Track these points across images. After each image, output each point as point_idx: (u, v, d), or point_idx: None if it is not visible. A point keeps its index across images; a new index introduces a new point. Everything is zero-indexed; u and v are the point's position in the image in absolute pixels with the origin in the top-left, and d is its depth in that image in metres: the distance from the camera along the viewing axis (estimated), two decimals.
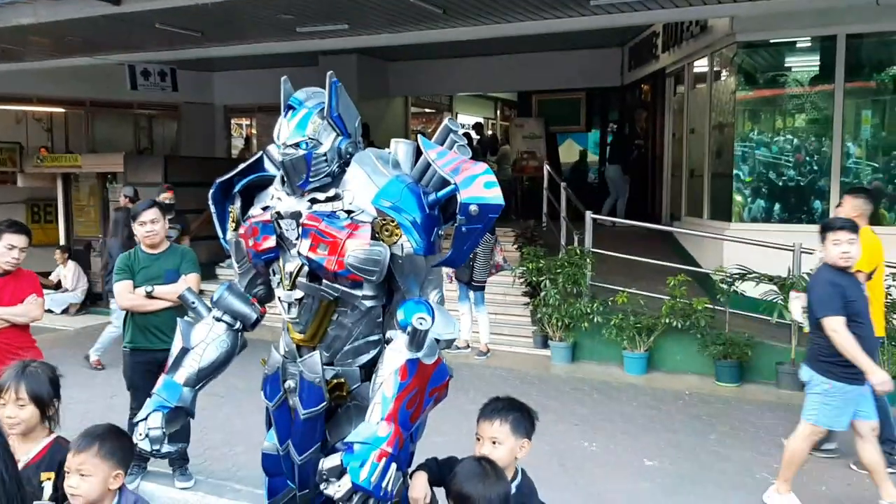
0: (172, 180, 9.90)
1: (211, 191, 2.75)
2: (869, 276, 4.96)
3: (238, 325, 2.80)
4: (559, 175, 11.45)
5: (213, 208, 2.79)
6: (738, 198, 8.62)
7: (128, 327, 4.54)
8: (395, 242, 2.38)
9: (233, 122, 16.03)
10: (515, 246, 9.65)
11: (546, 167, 11.34)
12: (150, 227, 4.47)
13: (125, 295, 4.48)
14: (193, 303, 2.83)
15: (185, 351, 2.74)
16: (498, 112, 20.19)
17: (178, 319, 2.85)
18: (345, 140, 2.50)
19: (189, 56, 10.25)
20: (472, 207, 2.26)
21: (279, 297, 2.58)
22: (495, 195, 2.30)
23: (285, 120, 2.48)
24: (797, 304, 5.81)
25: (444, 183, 2.35)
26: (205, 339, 2.74)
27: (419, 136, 2.51)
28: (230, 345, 2.77)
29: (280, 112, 2.51)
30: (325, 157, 2.45)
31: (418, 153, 2.48)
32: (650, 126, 12.50)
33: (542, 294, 7.94)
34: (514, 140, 14.53)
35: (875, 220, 5.52)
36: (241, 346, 2.82)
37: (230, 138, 15.94)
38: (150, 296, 4.46)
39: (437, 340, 2.37)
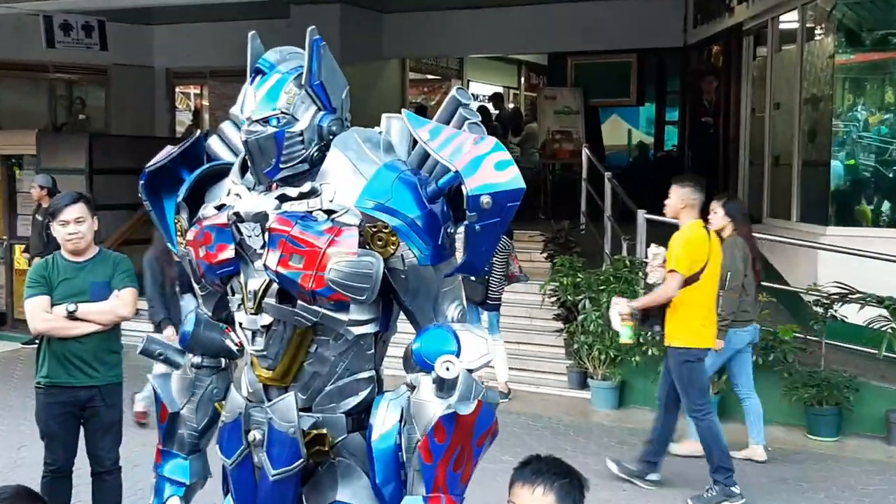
0: (101, 166, 9.99)
1: (140, 181, 2.80)
2: (693, 279, 5.58)
3: (223, 363, 2.87)
4: (602, 162, 11.45)
5: (147, 204, 2.83)
6: (837, 194, 8.62)
7: (42, 358, 4.56)
8: (393, 254, 2.40)
9: (178, 90, 16.12)
10: (545, 255, 9.66)
11: (585, 151, 11.34)
12: (74, 228, 4.49)
13: (39, 315, 4.49)
14: (160, 353, 2.90)
15: (173, 417, 2.86)
16: (522, 80, 20.23)
17: (150, 376, 2.92)
18: (328, 116, 2.52)
19: (122, 4, 10.33)
20: (484, 198, 2.29)
21: (240, 324, 2.60)
22: (511, 178, 2.32)
23: (252, 87, 2.51)
24: (615, 313, 6.02)
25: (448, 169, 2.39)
26: (191, 399, 2.86)
27: (405, 111, 2.52)
28: (222, 391, 2.86)
29: (245, 78, 2.55)
30: (300, 137, 2.48)
31: None
32: (721, 99, 12.51)
33: (580, 318, 7.94)
34: (544, 116, 14.58)
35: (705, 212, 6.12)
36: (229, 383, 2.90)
37: (174, 111, 16.02)
38: (72, 316, 4.47)
39: (470, 371, 2.40)
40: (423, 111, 15.47)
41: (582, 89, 14.68)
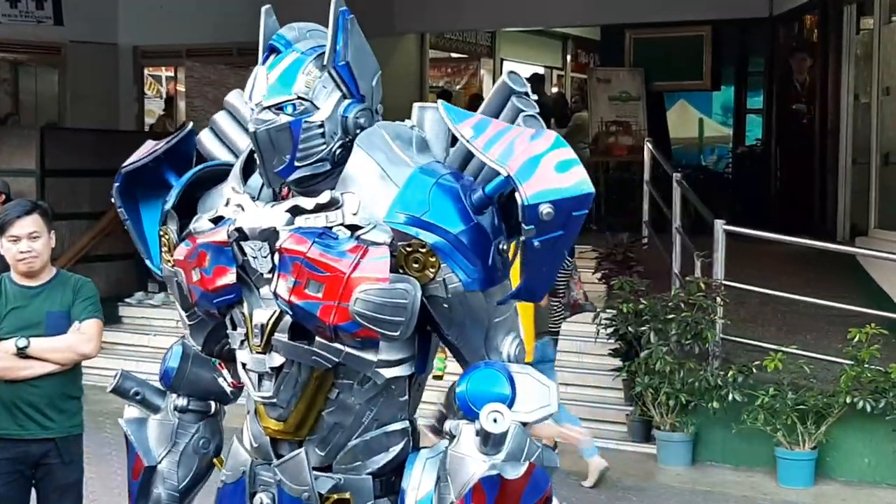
0: (54, 166, 10.07)
1: (115, 183, 2.83)
2: None
3: (213, 407, 2.89)
4: (668, 159, 11.43)
5: (122, 212, 2.86)
6: None
7: None
8: (433, 278, 2.41)
9: (147, 73, 16.26)
10: (598, 275, 9.64)
11: (648, 146, 11.33)
12: (27, 246, 4.50)
13: None
14: (137, 392, 2.91)
15: (149, 472, 2.85)
16: (568, 58, 20.27)
17: (121, 420, 2.92)
18: (354, 105, 2.53)
19: None
20: (544, 208, 2.30)
21: (243, 364, 2.61)
22: (577, 181, 2.34)
23: (263, 69, 2.53)
24: None
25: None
26: (172, 450, 2.85)
27: (441, 102, 2.55)
28: (211, 443, 2.89)
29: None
30: (320, 129, 2.49)
31: None
32: (817, 82, 12.48)
33: (643, 355, 7.91)
34: (596, 103, 14.60)
35: None
36: (221, 438, 2.92)
37: (143, 98, 16.16)
38: (23, 354, 4.49)
39: (525, 424, 2.40)
40: (447, 97, 15.56)
41: (643, 70, 14.68)
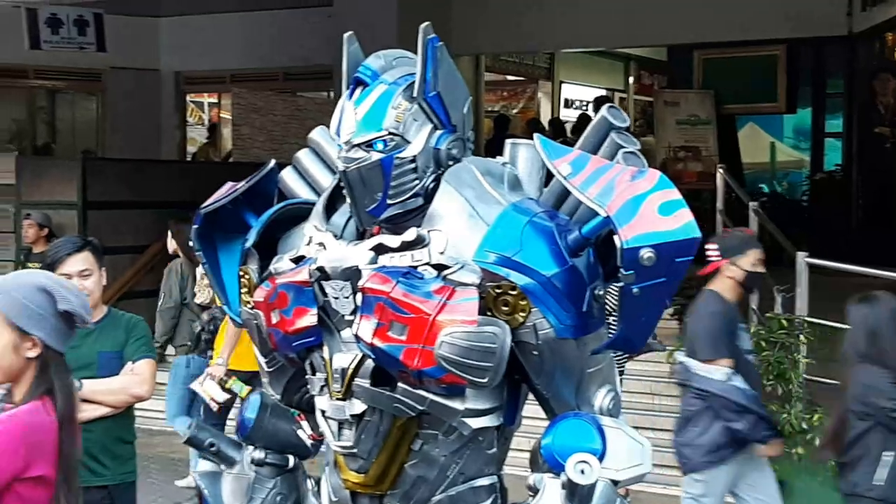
0: (97, 198, 10.16)
1: (194, 225, 2.85)
2: None
3: (291, 462, 2.88)
4: (742, 186, 11.35)
5: (200, 255, 2.88)
6: None
7: None
8: (523, 323, 2.40)
9: (189, 99, 16.43)
10: (670, 311, 9.59)
11: (720, 173, 11.28)
12: (79, 284, 4.56)
13: None
14: (212, 444, 2.93)
15: None
16: (631, 80, 20.26)
17: (195, 474, 2.94)
18: (446, 136, 2.56)
19: None
20: (645, 252, 2.28)
21: (322, 412, 2.62)
22: (682, 225, 2.32)
23: (350, 103, 2.55)
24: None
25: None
26: None
27: (538, 136, 2.54)
28: (288, 500, 2.86)
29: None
30: (412, 164, 2.52)
31: None
32: None
33: None
34: (663, 127, 14.58)
35: None
36: (299, 494, 2.90)
37: (185, 126, 16.33)
38: None
39: (615, 483, 2.38)
40: (505, 122, 15.62)
41: (713, 92, 14.67)
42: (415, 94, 2.51)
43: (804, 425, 7.45)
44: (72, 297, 2.98)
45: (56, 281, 3.06)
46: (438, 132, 2.55)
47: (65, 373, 2.99)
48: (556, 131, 14.99)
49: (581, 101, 18.99)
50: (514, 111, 19.05)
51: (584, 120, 15.76)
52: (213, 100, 16.99)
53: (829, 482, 7.51)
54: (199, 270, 7.60)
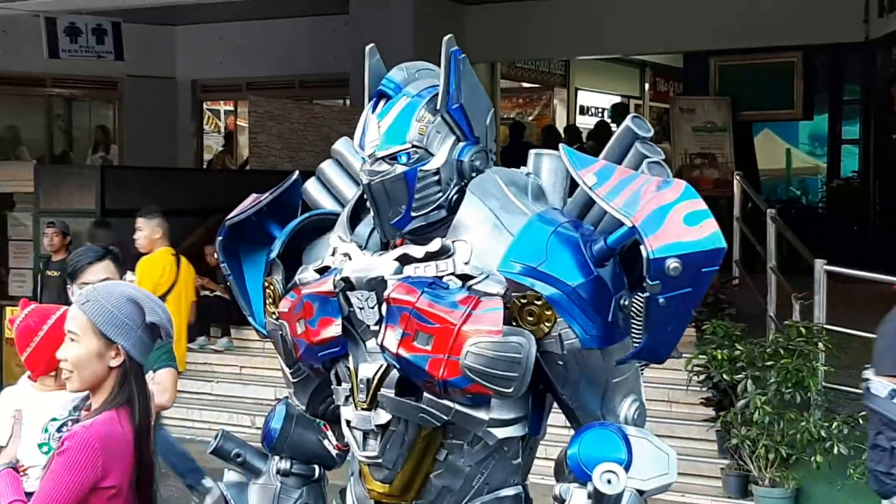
0: (115, 206, 10.17)
1: (219, 237, 2.86)
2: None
3: (317, 472, 2.89)
4: (759, 193, 11.33)
5: (225, 267, 2.89)
6: None
7: None
8: (548, 333, 2.41)
9: (206, 107, 16.47)
10: None
11: (737, 180, 11.24)
12: None
13: None
14: (238, 454, 2.93)
15: None
16: (647, 87, 20.24)
17: (220, 484, 2.95)
18: (469, 148, 2.57)
19: (137, 2, 10.58)
20: (671, 263, 2.29)
21: (348, 422, 2.62)
22: (708, 235, 2.33)
23: (374, 116, 2.56)
24: None
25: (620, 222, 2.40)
26: None
27: (563, 147, 2.55)
28: None
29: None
30: (436, 177, 2.53)
31: None
32: None
33: (739, 404, 7.82)
34: (679, 134, 14.56)
35: None
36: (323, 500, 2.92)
37: (202, 134, 16.37)
38: None
39: (641, 492, 2.39)
40: (520, 129, 15.63)
41: (729, 99, 14.64)
42: (438, 107, 2.52)
43: (823, 433, 7.42)
44: (159, 310, 3.01)
45: (144, 294, 3.08)
46: (461, 144, 2.56)
47: (143, 384, 3.02)
48: (572, 138, 15.00)
49: (597, 108, 18.98)
50: (530, 118, 19.03)
51: (601, 127, 15.75)
52: (230, 108, 17.02)
53: (847, 490, 7.51)
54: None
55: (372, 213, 2.60)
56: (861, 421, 7.47)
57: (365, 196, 2.61)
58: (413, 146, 2.51)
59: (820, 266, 8.17)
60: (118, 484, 2.86)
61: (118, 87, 15.28)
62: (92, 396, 2.98)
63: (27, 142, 15.09)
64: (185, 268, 8.32)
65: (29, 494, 3.13)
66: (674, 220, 2.31)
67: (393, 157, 2.51)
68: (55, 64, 13.49)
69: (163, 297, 7.12)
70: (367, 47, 2.63)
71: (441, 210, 2.54)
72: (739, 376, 7.85)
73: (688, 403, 8.69)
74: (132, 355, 2.95)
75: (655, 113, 19.36)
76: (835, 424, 7.42)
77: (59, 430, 3.43)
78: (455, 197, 2.55)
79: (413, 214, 2.53)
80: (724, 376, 8.00)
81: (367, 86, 2.61)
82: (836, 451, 7.33)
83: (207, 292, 10.56)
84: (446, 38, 2.51)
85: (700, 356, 8.35)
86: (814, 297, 8.14)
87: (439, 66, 2.56)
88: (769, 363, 7.76)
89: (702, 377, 8.35)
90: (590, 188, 2.40)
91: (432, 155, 2.52)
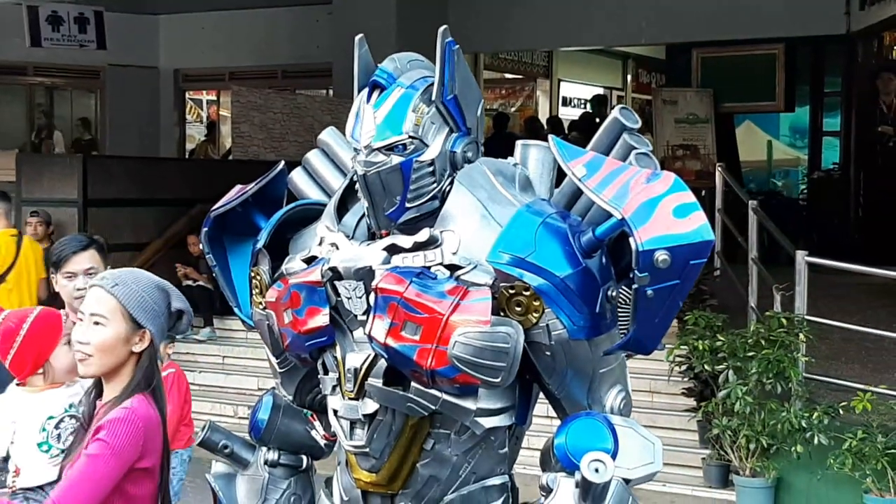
0: (97, 195, 10.15)
1: (204, 228, 2.87)
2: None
3: (305, 462, 2.89)
4: (741, 185, 11.36)
5: (210, 259, 2.90)
6: None
7: None
8: (536, 323, 2.42)
9: (188, 97, 16.43)
10: None
11: (719, 172, 11.30)
12: (85, 283, 4.47)
13: None
14: (226, 445, 2.93)
15: None
16: (629, 78, 20.27)
17: (209, 476, 2.96)
18: (461, 139, 2.58)
19: None
20: (660, 255, 2.29)
21: (335, 412, 2.62)
22: (697, 227, 2.33)
23: (369, 107, 2.56)
24: None
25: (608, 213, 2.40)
26: None
27: (552, 137, 2.56)
28: (302, 500, 2.87)
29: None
30: (431, 167, 2.53)
31: None
32: None
33: (721, 395, 7.85)
34: (661, 126, 14.58)
35: None
36: (312, 494, 2.91)
37: (184, 123, 16.32)
38: None
39: (627, 481, 2.39)
40: (504, 120, 15.62)
41: (712, 91, 14.65)
42: (433, 98, 2.53)
43: (803, 423, 7.45)
44: (181, 298, 3.01)
45: (166, 281, 3.07)
46: (454, 135, 2.57)
47: (159, 370, 3.03)
48: (555, 129, 15.01)
49: (579, 100, 19.00)
50: (513, 109, 19.06)
51: (585, 118, 15.77)
52: (212, 97, 16.99)
53: (827, 479, 7.55)
54: None
55: (363, 203, 2.59)
56: (840, 411, 7.53)
57: (357, 186, 2.61)
58: (409, 137, 2.51)
59: (801, 257, 8.19)
60: (153, 465, 2.87)
61: (100, 76, 15.24)
62: (105, 383, 2.95)
63: (11, 135, 14.99)
64: (28, 246, 8.81)
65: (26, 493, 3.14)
66: (663, 212, 2.32)
67: (389, 148, 2.51)
68: (37, 52, 13.49)
69: (2, 278, 8.04)
70: (357, 38, 2.63)
71: (434, 201, 2.55)
72: (721, 367, 7.88)
73: (669, 394, 8.72)
74: (155, 340, 2.95)
75: (638, 104, 19.36)
76: (815, 415, 7.45)
77: (56, 426, 3.43)
78: (448, 189, 2.56)
79: (408, 205, 2.53)
80: (706, 367, 8.03)
81: (356, 76, 2.61)
82: (816, 441, 7.35)
83: (190, 282, 10.55)
84: (441, 29, 2.51)
85: (682, 346, 8.37)
86: (795, 288, 8.17)
87: (426, 56, 2.56)
88: (750, 354, 7.78)
89: (683, 367, 8.39)
90: (579, 179, 2.40)
91: (427, 146, 2.53)
